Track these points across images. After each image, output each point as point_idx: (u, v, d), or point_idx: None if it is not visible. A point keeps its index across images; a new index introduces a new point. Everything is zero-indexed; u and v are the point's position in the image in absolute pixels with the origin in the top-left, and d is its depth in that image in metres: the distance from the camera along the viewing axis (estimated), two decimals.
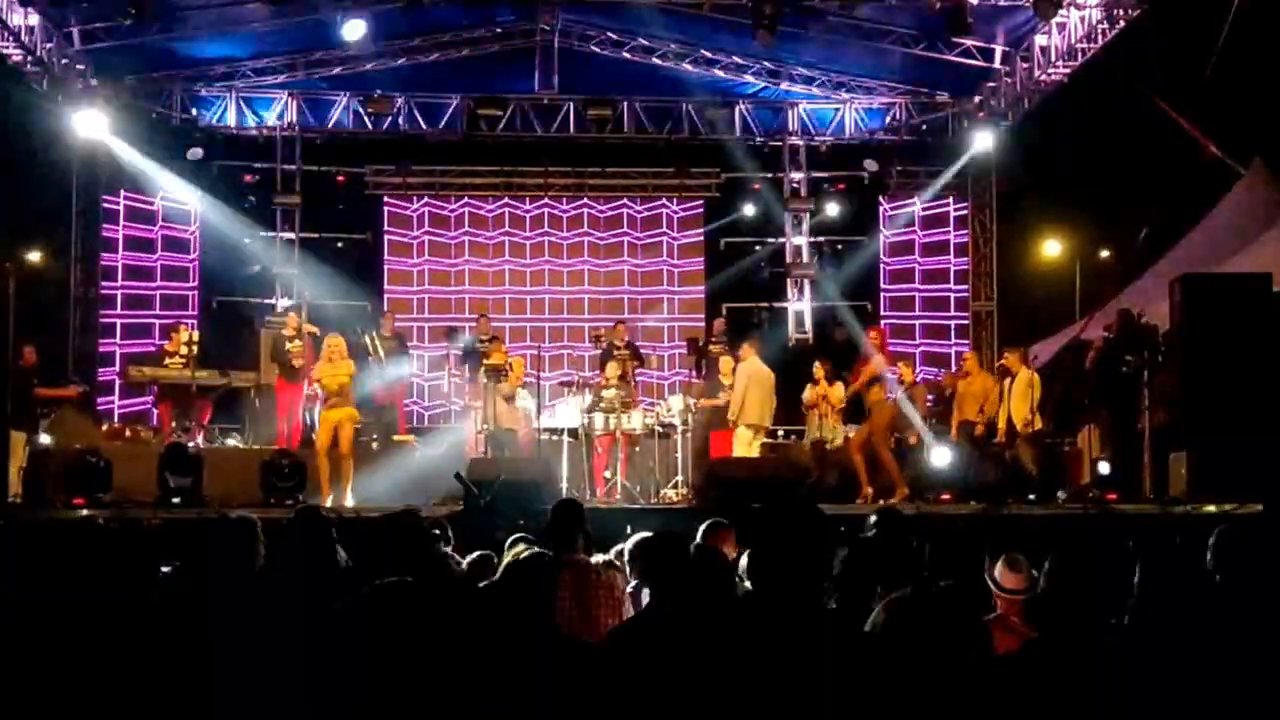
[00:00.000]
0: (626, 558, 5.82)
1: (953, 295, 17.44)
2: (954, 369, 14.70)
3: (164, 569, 5.04)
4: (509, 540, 6.17)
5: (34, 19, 13.91)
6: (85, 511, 9.84)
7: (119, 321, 16.29)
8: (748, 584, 3.52)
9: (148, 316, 16.28)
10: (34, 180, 14.36)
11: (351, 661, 3.60)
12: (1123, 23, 13.42)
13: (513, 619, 3.70)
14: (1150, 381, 11.88)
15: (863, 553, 4.21)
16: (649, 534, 5.48)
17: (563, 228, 17.74)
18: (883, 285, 17.55)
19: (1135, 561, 3.83)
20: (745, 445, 11.94)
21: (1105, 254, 16.32)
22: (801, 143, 17.42)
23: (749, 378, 12.08)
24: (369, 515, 9.26)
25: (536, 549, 5.65)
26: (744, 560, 4.42)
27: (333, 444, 11.49)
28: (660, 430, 12.81)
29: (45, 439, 11.83)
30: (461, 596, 4.41)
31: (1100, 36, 13.80)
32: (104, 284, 16.11)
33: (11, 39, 13.65)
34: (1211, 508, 9.62)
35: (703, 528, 5.78)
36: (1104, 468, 11.62)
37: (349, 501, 11.06)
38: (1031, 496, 11.36)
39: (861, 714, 2.96)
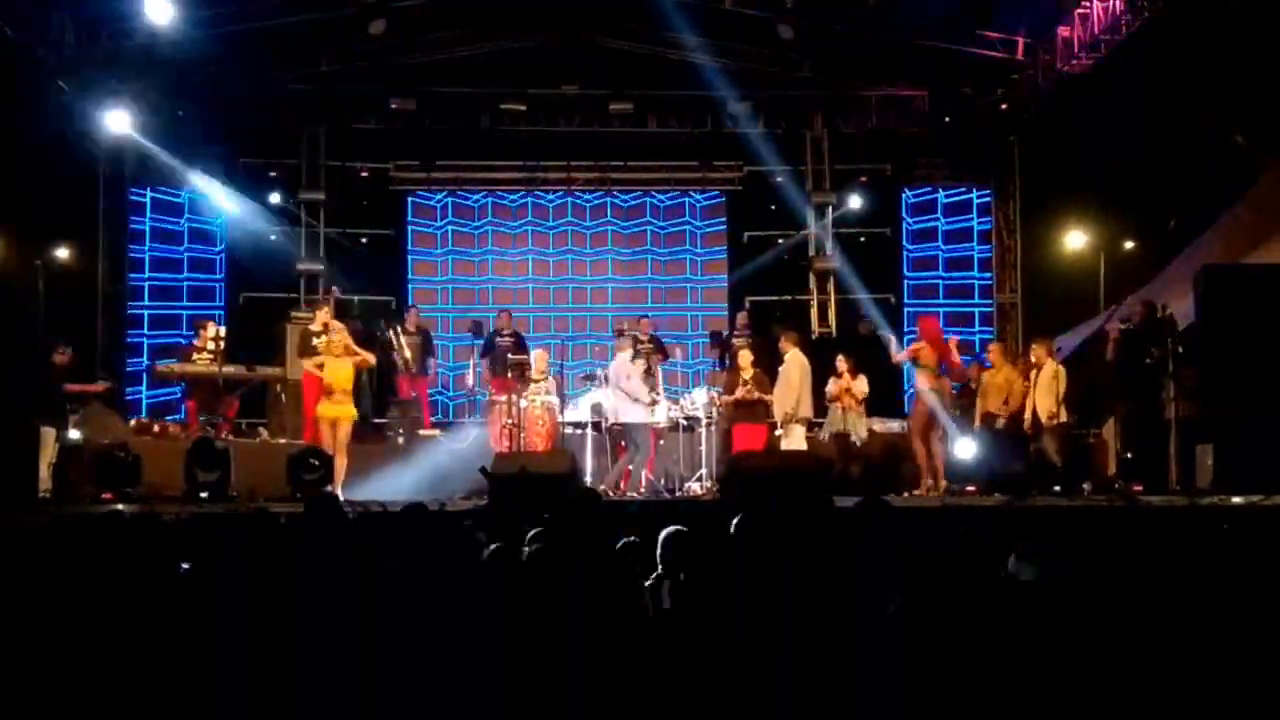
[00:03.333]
0: (658, 550, 5.86)
1: (976, 285, 17.42)
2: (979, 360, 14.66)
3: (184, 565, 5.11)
4: (530, 535, 6.20)
5: (61, 17, 14.03)
6: (116, 506, 9.93)
7: (146, 313, 16.45)
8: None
9: (175, 307, 16.43)
10: (61, 178, 14.47)
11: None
12: (1147, 13, 13.35)
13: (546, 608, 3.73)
14: (1175, 373, 11.83)
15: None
16: (681, 528, 5.52)
17: (586, 222, 17.79)
18: (906, 277, 17.52)
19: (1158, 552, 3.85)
20: (800, 440, 12.03)
21: (1130, 245, 16.24)
22: (823, 135, 17.39)
23: (803, 372, 12.15)
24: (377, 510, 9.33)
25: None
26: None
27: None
28: (684, 423, 12.83)
29: (74, 434, 11.95)
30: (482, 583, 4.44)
31: (1124, 28, 13.73)
32: (132, 277, 16.28)
33: (38, 35, 13.76)
34: (1238, 499, 9.57)
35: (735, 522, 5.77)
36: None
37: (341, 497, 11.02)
38: (1056, 488, 11.35)
39: (875, 706, 2.98)
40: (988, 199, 17.26)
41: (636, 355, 13.17)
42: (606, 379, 13.19)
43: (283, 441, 13.01)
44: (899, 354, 12.50)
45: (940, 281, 17.53)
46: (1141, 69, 13.84)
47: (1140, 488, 11.21)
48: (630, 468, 12.44)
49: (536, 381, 12.76)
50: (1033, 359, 12.14)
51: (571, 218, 17.77)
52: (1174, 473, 11.59)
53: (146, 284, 16.52)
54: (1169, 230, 13.46)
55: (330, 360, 11.51)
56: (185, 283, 16.79)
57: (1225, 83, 13.15)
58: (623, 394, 11.96)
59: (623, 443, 12.55)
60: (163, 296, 16.64)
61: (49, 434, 11.17)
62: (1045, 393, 11.70)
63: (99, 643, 3.70)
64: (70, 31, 14.28)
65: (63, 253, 15.06)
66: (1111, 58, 14.16)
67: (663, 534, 5.90)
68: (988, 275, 17.33)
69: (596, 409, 12.65)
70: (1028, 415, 11.89)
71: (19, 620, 3.68)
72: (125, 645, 3.71)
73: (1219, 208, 14.63)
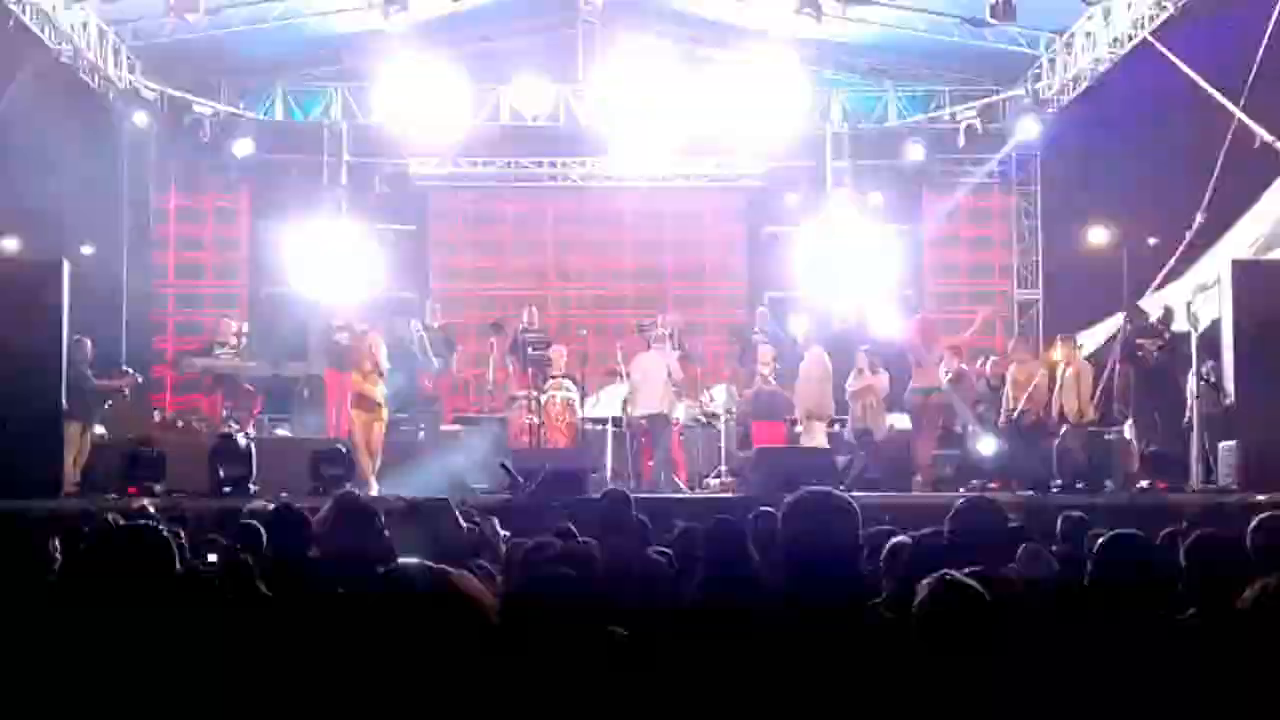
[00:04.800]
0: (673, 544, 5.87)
1: (996, 283, 17.32)
2: (1000, 358, 14.61)
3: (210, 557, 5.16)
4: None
5: (85, 17, 14.14)
6: (141, 501, 10.00)
7: (170, 321, 16.52)
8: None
9: (199, 316, 16.48)
10: (86, 175, 14.59)
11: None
12: (1170, 8, 13.26)
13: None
14: (1198, 370, 11.79)
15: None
16: (695, 523, 5.53)
17: (605, 216, 17.78)
18: (926, 274, 17.44)
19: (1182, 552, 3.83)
20: (821, 437, 12.03)
21: (1153, 242, 16.14)
22: (844, 131, 17.36)
23: (824, 369, 12.15)
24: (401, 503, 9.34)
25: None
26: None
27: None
28: (703, 420, 12.83)
29: (99, 430, 12.04)
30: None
31: (1147, 22, 13.64)
32: (155, 284, 16.35)
33: (63, 37, 13.87)
34: (1262, 497, 9.52)
35: (752, 517, 5.78)
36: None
37: (374, 491, 11.13)
38: (1080, 485, 11.31)
39: (892, 705, 2.96)
40: (1009, 194, 17.16)
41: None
42: (628, 375, 13.20)
43: (305, 437, 13.06)
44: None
45: (961, 289, 17.41)
46: (1165, 64, 13.75)
47: (1164, 485, 11.16)
48: (651, 463, 12.45)
49: (556, 378, 12.78)
50: (1058, 357, 12.07)
51: (592, 213, 17.76)
52: (1197, 470, 11.55)
53: (171, 293, 16.59)
54: (1190, 227, 13.37)
55: (358, 375, 11.60)
56: (209, 290, 16.84)
57: (1249, 78, 13.05)
58: (674, 388, 11.97)
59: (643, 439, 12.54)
60: (186, 300, 16.71)
61: (75, 429, 11.26)
62: (1072, 391, 11.63)
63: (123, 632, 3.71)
64: (94, 29, 14.38)
65: (87, 250, 15.17)
66: (1135, 52, 14.07)
67: (677, 529, 5.90)
68: (1008, 249, 17.18)
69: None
70: (1055, 413, 11.82)
71: (42, 609, 3.71)
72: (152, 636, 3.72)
73: (1242, 204, 14.54)
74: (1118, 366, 12.57)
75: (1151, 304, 13.63)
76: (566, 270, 17.69)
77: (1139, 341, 11.86)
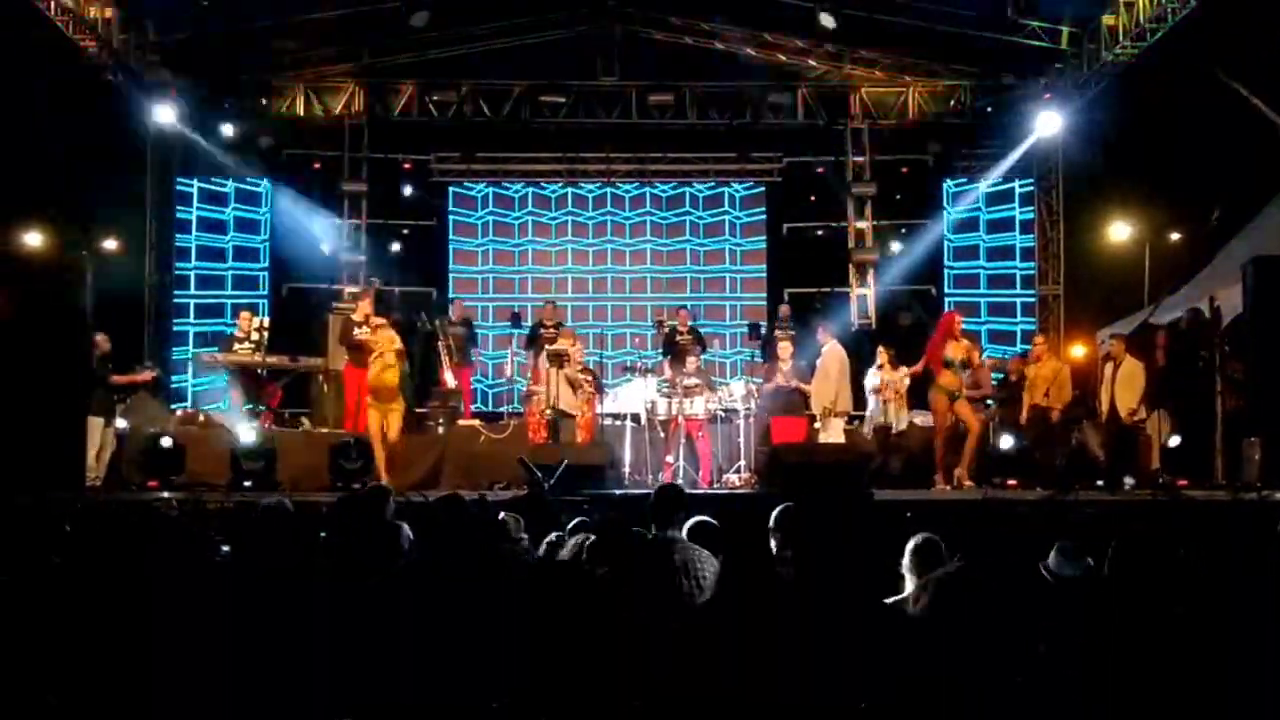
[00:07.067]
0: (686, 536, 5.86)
1: (1019, 276, 17.23)
2: (1021, 353, 14.56)
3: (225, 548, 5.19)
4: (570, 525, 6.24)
5: (109, 10, 14.22)
6: (162, 495, 10.07)
7: (192, 302, 16.58)
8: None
9: (219, 296, 16.56)
10: (109, 169, 14.66)
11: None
12: (1193, 1, 13.17)
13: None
14: (1222, 366, 11.72)
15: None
16: (705, 518, 5.52)
17: (625, 212, 17.79)
18: (947, 268, 17.39)
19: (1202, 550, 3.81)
20: (839, 433, 12.01)
21: (1175, 237, 16.04)
22: (864, 126, 17.31)
23: (842, 364, 12.13)
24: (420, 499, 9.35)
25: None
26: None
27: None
28: (723, 415, 12.82)
29: (121, 424, 12.11)
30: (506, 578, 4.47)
31: (1170, 16, 13.55)
32: (178, 265, 16.40)
33: (87, 30, 13.95)
34: None
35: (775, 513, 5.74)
36: (1174, 441, 11.53)
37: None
38: (1099, 482, 11.25)
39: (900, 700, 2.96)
40: (1030, 188, 17.09)
41: (672, 343, 13.31)
42: (645, 370, 13.23)
43: (325, 431, 13.10)
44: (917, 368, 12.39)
45: (982, 271, 17.36)
46: (1187, 57, 13.66)
47: (1185, 482, 11.10)
48: (669, 459, 12.45)
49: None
50: (1109, 353, 11.99)
51: (611, 208, 17.78)
52: (1220, 467, 11.48)
53: (192, 273, 16.65)
54: (1213, 221, 13.27)
55: (377, 364, 11.55)
56: (229, 272, 16.91)
57: (1272, 71, 12.96)
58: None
59: (663, 434, 12.56)
60: (207, 287, 16.77)
61: (96, 423, 11.33)
62: (1126, 388, 11.53)
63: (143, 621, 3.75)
64: (118, 23, 14.45)
65: (110, 243, 15.25)
66: (1157, 46, 13.98)
67: (688, 524, 5.89)
68: (1030, 265, 17.13)
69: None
70: (1103, 408, 11.73)
71: (59, 599, 3.74)
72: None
73: (1265, 198, 14.45)
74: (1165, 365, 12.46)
75: (1177, 301, 13.55)
76: (585, 263, 17.68)
77: (1201, 353, 11.79)
